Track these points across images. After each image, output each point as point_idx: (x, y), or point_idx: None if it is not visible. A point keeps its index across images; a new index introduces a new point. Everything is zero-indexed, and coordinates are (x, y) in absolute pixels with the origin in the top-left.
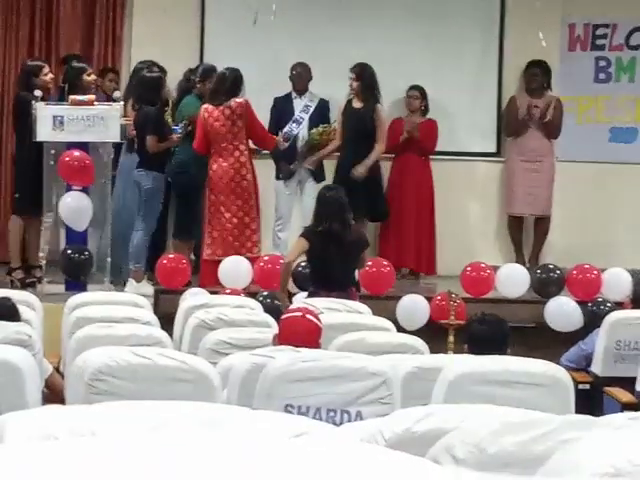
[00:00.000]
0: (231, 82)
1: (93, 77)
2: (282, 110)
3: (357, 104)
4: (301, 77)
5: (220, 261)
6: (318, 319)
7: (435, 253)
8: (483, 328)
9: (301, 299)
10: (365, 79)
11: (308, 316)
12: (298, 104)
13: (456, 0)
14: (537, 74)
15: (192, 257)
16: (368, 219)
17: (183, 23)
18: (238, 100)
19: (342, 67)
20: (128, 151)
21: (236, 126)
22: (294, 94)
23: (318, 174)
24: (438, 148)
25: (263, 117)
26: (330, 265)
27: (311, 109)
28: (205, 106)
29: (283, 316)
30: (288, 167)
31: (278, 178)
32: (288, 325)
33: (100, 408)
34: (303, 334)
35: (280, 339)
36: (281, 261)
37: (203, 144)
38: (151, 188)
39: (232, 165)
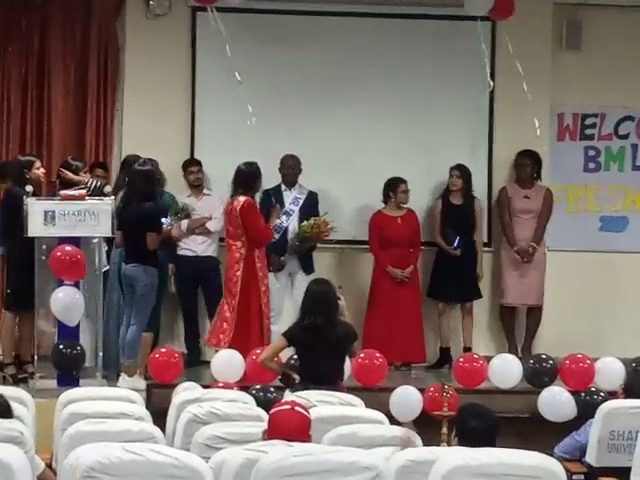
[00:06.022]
0: (247, 177)
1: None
2: (272, 202)
3: (457, 200)
4: (291, 170)
5: None
6: (307, 411)
7: (424, 342)
8: (474, 421)
9: (290, 393)
10: (468, 179)
11: (297, 408)
12: (288, 196)
13: (445, 90)
14: (527, 164)
15: (185, 351)
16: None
17: (173, 117)
18: (241, 199)
19: (329, 160)
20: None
21: (234, 224)
22: (284, 186)
23: (308, 266)
24: (428, 239)
25: None
26: (316, 359)
27: (301, 201)
28: (227, 199)
29: (271, 410)
30: (279, 260)
31: (268, 271)
32: (277, 418)
33: None
34: (293, 427)
35: (269, 433)
36: (253, 357)
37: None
38: (148, 284)
39: (228, 260)
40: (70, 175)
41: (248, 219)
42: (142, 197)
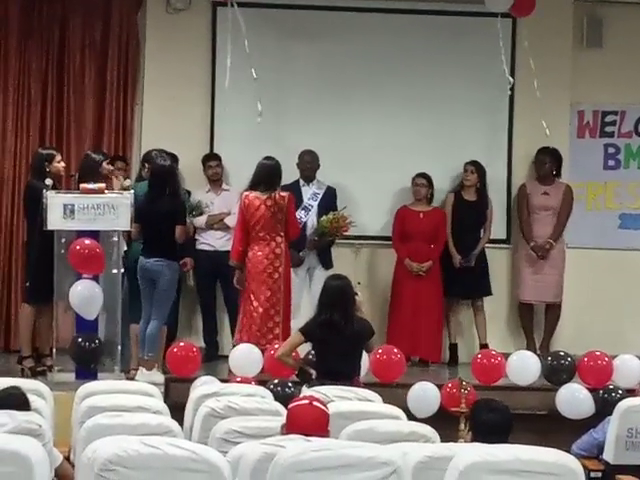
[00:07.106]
0: (270, 172)
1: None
2: None
3: (470, 197)
4: (309, 165)
5: None
6: (325, 406)
7: (442, 341)
8: (488, 415)
9: (308, 389)
10: (482, 175)
11: (315, 403)
12: (306, 192)
13: (464, 86)
14: (547, 161)
15: (203, 345)
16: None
17: (193, 112)
18: (282, 193)
19: (348, 155)
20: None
21: (275, 218)
22: (302, 182)
23: (327, 262)
24: None
25: None
26: (332, 355)
27: (319, 197)
28: (245, 194)
29: (290, 405)
30: (297, 255)
31: None
32: (296, 413)
33: None
34: (311, 421)
35: (288, 428)
36: (271, 352)
37: (240, 231)
38: (171, 279)
39: (267, 255)
40: (107, 168)
41: (292, 213)
42: (171, 191)
